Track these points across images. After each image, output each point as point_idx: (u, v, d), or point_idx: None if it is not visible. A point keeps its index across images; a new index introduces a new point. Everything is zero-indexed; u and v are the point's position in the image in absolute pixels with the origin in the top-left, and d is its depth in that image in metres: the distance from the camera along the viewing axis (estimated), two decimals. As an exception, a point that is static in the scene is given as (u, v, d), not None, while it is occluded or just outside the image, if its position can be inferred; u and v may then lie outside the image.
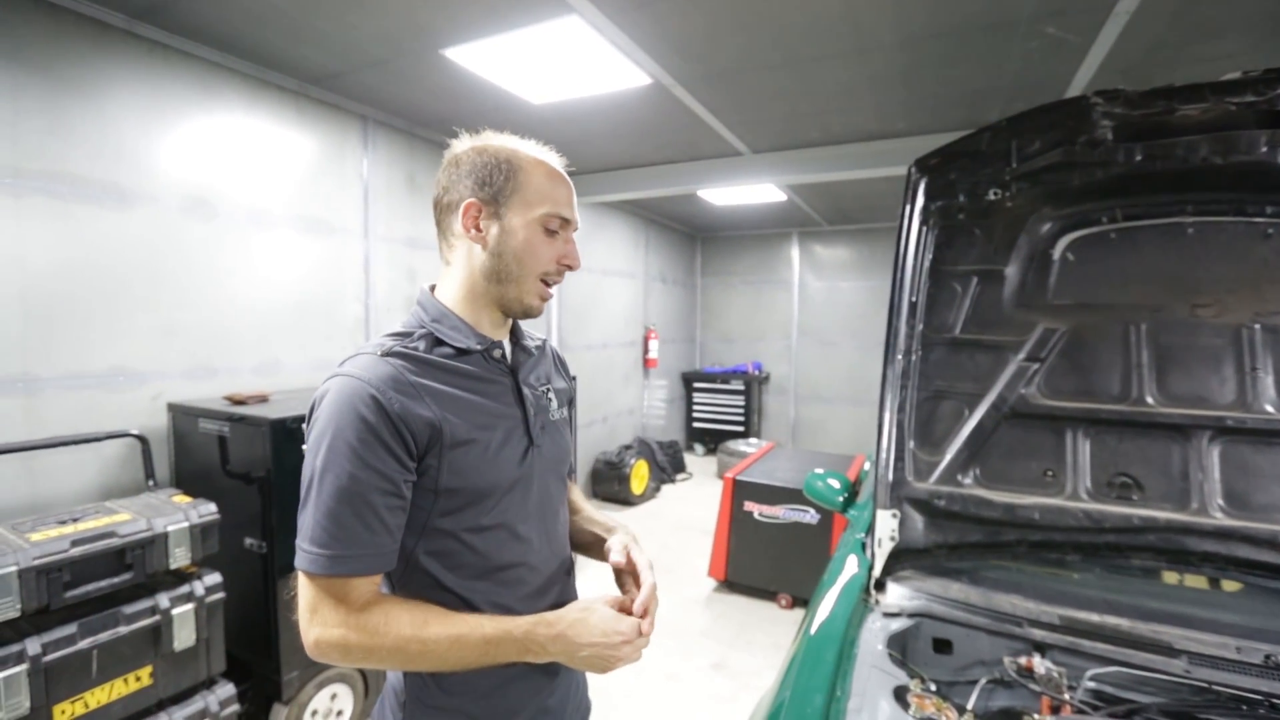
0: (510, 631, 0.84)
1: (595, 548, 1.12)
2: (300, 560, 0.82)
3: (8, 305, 2.18)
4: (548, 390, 1.07)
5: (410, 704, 0.93)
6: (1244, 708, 1.11)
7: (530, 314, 0.98)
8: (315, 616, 0.82)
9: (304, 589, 0.83)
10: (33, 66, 2.22)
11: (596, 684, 1.18)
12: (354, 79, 3.07)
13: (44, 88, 2.25)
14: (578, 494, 1.23)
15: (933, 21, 2.42)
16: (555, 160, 0.99)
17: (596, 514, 1.19)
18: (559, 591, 1.02)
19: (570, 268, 0.98)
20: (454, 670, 0.87)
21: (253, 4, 2.34)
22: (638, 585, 0.97)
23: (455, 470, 0.88)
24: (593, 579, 0.98)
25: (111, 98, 2.43)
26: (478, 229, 0.94)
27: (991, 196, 1.59)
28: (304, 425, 0.88)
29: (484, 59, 2.77)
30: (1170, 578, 1.52)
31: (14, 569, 1.64)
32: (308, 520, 0.82)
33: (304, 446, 0.86)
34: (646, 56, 2.73)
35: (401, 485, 0.85)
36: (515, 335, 1.05)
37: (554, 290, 0.99)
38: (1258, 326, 1.48)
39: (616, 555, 1.02)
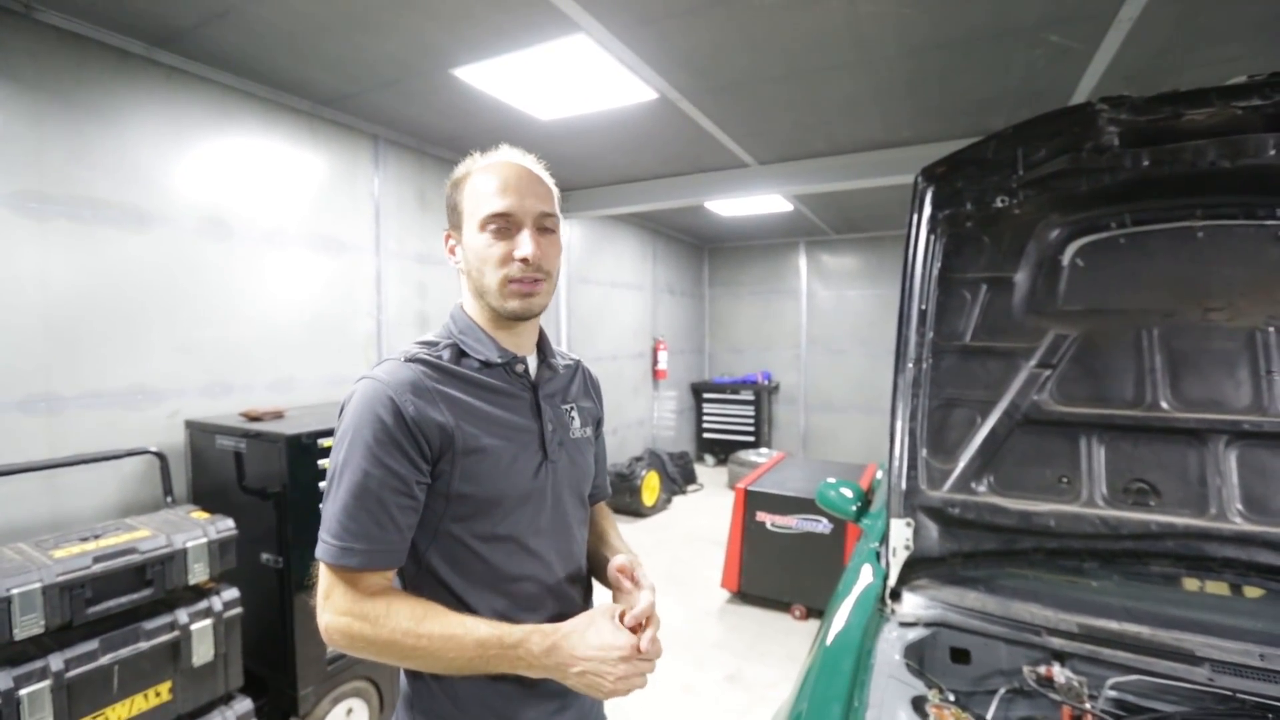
0: (503, 638, 0.83)
1: (601, 570, 1.11)
2: (319, 549, 0.87)
3: (31, 326, 2.22)
4: (571, 409, 1.07)
5: (420, 717, 0.93)
6: (1270, 716, 1.10)
7: (519, 315, 0.95)
8: (327, 602, 0.86)
9: (322, 575, 0.88)
10: (56, 94, 2.28)
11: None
12: (365, 99, 3.13)
13: (67, 114, 2.31)
14: (606, 519, 1.22)
15: (936, 32, 2.44)
16: (505, 155, 0.97)
17: (615, 540, 1.18)
18: (569, 610, 1.00)
19: (525, 261, 0.92)
20: (449, 672, 0.87)
21: (266, 29, 2.40)
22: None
23: (467, 477, 0.90)
24: (607, 597, 0.98)
25: (131, 123, 2.50)
26: (454, 255, 1.01)
27: (999, 204, 1.59)
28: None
29: (493, 78, 2.82)
30: (1190, 584, 1.51)
31: (38, 586, 1.66)
32: (327, 512, 0.87)
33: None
34: (653, 72, 2.77)
35: (414, 486, 0.87)
36: (544, 352, 1.06)
37: (536, 285, 0.94)
38: (1271, 329, 1.47)
39: (621, 560, 1.02)
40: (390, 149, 3.67)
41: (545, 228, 0.96)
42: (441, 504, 0.90)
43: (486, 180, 0.94)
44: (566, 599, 1.01)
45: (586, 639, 0.85)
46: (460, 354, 0.97)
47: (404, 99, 3.12)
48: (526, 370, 1.01)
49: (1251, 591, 1.46)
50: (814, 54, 2.63)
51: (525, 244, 0.92)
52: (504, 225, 0.93)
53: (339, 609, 0.85)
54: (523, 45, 2.50)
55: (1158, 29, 2.36)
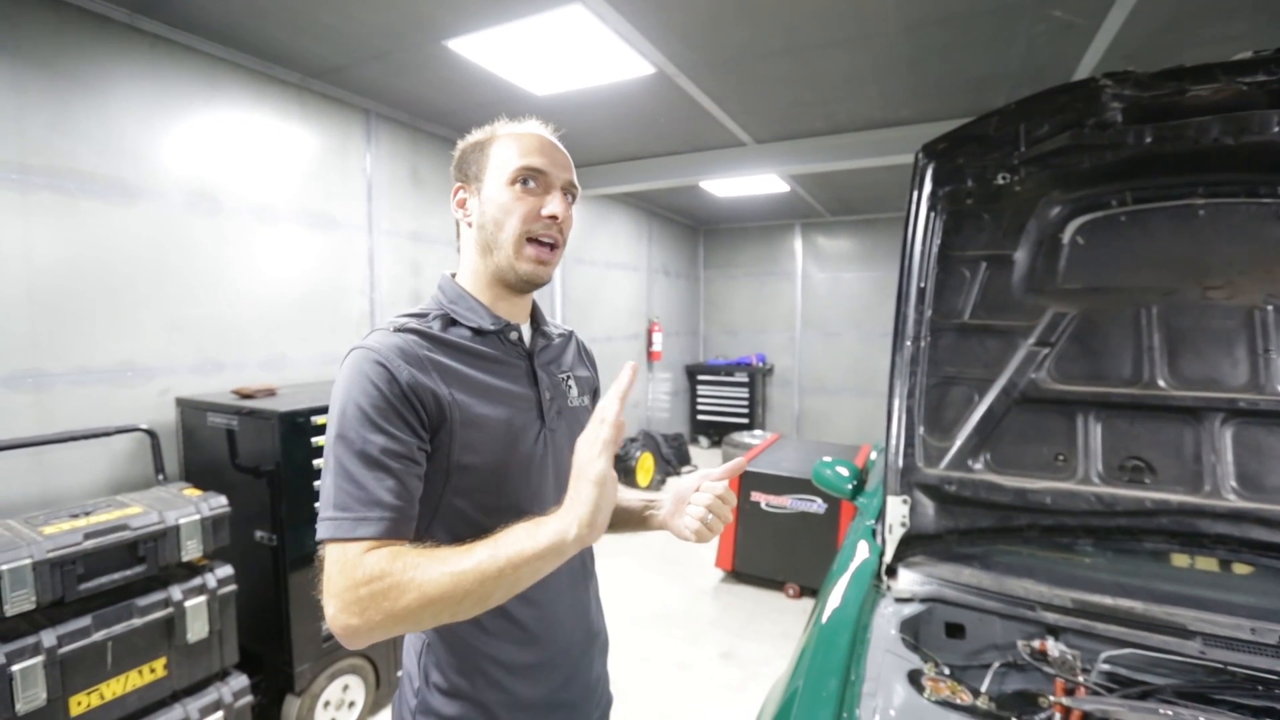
0: (528, 549, 0.71)
1: (637, 518, 1.09)
2: (322, 529, 0.78)
3: (16, 301, 2.18)
4: (568, 377, 1.06)
5: (424, 690, 0.93)
6: (1259, 688, 1.11)
7: (530, 280, 0.94)
8: (334, 589, 0.75)
9: (329, 562, 0.76)
10: (36, 61, 2.21)
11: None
12: (357, 72, 3.06)
13: (48, 83, 2.24)
14: None
15: (938, 7, 2.40)
16: (535, 126, 0.97)
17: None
18: (577, 576, 1.03)
19: (553, 218, 0.92)
20: (497, 600, 0.74)
21: (255, -4, 2.33)
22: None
23: (467, 447, 0.88)
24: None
25: (115, 93, 2.43)
26: (464, 209, 0.98)
27: (1000, 181, 1.58)
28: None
29: (487, 50, 2.76)
30: (1181, 560, 1.52)
31: (28, 562, 1.65)
32: (329, 487, 0.80)
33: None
34: (650, 45, 2.72)
35: (415, 451, 0.83)
36: (537, 321, 1.05)
37: (552, 252, 0.94)
38: (1270, 308, 1.47)
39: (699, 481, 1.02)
40: (383, 124, 3.60)
41: (570, 195, 0.97)
42: (442, 477, 0.88)
43: (519, 141, 0.94)
44: (575, 566, 1.02)
45: (589, 487, 0.70)
46: (451, 323, 0.95)
47: (396, 71, 3.05)
48: (520, 338, 1.00)
49: (1240, 568, 1.48)
50: (814, 28, 2.58)
51: (555, 202, 0.93)
52: (536, 182, 0.93)
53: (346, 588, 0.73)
54: (518, 15, 2.44)
55: (1162, 5, 2.33)
